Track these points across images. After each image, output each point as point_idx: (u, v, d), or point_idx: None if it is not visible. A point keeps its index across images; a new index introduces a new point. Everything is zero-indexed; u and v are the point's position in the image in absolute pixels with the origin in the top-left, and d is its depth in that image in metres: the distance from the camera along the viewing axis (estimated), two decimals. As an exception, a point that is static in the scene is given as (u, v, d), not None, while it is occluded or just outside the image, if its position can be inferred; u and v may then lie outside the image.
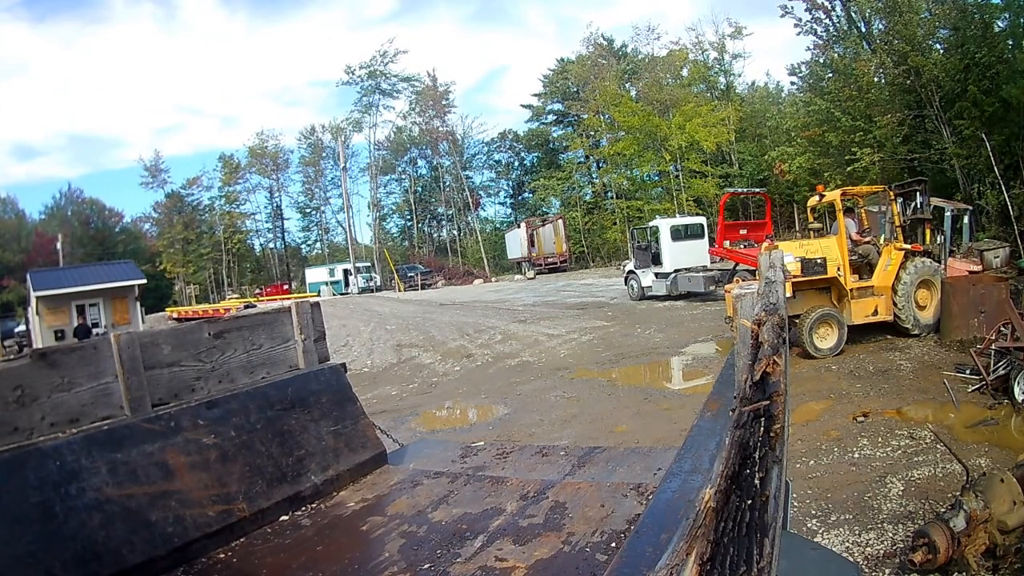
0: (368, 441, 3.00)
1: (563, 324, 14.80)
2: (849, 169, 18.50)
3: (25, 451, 2.00)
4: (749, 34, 42.42)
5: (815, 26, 21.22)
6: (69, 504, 1.98)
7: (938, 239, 10.49)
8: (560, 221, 37.95)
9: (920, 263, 9.29)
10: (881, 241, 9.63)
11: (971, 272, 11.00)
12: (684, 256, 17.39)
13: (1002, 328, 6.72)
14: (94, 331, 22.70)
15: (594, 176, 44.98)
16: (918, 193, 10.59)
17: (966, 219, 13.60)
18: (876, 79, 19.02)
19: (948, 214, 11.15)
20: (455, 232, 52.18)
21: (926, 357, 8.24)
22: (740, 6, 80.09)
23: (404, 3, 79.14)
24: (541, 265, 36.69)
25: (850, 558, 3.56)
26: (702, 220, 19.26)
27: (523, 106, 50.73)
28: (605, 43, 45.21)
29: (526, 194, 51.07)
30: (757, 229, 15.88)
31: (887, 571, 3.50)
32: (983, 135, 15.42)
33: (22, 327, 31.61)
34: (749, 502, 0.84)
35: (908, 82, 17.30)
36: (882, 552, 3.68)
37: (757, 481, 0.89)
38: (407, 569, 1.99)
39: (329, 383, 3.05)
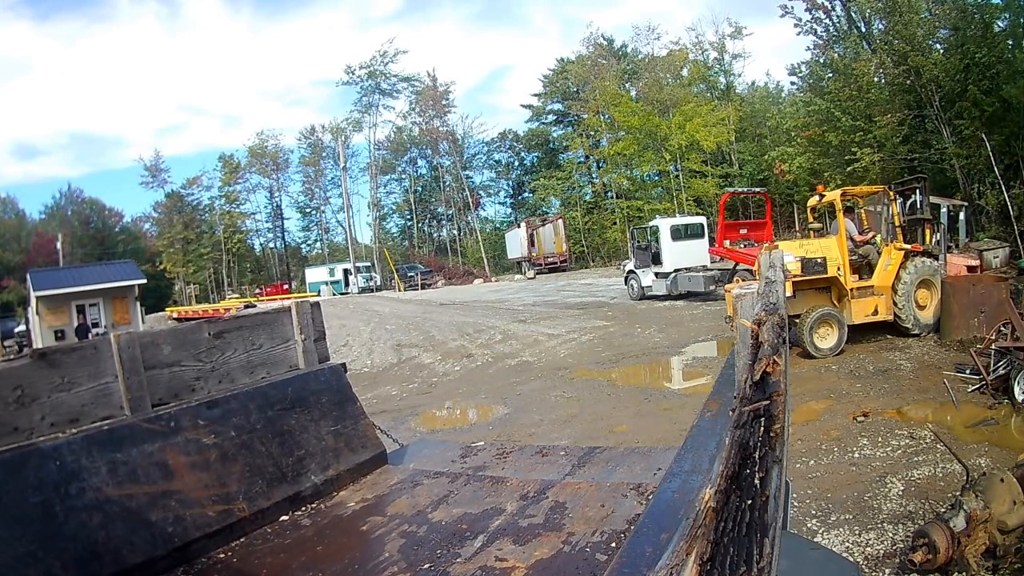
0: (368, 441, 3.00)
1: (563, 324, 14.80)
2: (849, 169, 18.50)
3: (25, 451, 2.00)
4: (749, 34, 42.51)
5: (815, 26, 21.24)
6: (69, 504, 1.98)
7: (936, 236, 10.51)
8: (560, 221, 37.94)
9: (920, 263, 9.29)
10: (879, 240, 9.63)
11: (969, 268, 11.01)
12: (684, 256, 17.39)
13: (1002, 328, 6.73)
14: (95, 331, 22.73)
15: (594, 176, 44.99)
16: (917, 192, 10.59)
17: (962, 215, 13.64)
18: (876, 79, 19.02)
19: (944, 210, 11.19)
20: (455, 232, 52.20)
21: (926, 357, 8.24)
22: (740, 6, 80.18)
23: (408, 2, 79.23)
24: (541, 265, 36.68)
25: (850, 558, 3.56)
26: (702, 220, 19.26)
27: (523, 106, 50.81)
28: (605, 43, 45.23)
29: (526, 194, 51.07)
30: (757, 229, 15.91)
31: (887, 571, 3.50)
32: (983, 135, 15.43)
33: (22, 327, 31.61)
34: (749, 502, 0.84)
35: (908, 82, 17.30)
36: (882, 552, 3.68)
37: (757, 481, 0.89)
38: (407, 569, 1.98)
39: (329, 383, 3.05)
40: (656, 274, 17.65)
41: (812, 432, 5.90)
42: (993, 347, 6.52)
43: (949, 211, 11.82)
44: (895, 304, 9.14)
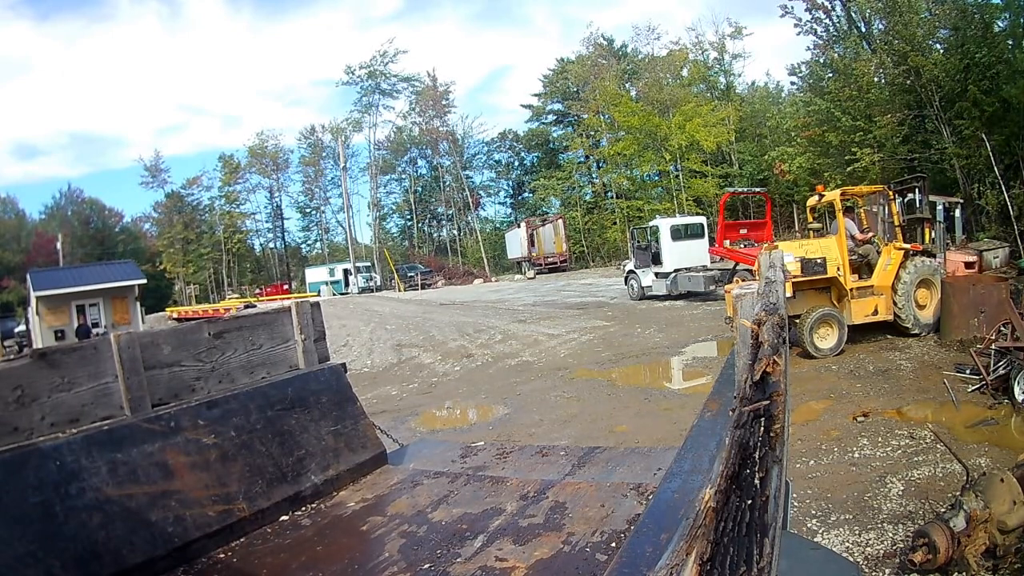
0: (368, 441, 3.00)
1: (563, 324, 14.80)
2: (849, 169, 18.51)
3: (25, 451, 2.00)
4: (749, 34, 42.51)
5: (815, 26, 21.26)
6: (69, 504, 1.98)
7: (934, 235, 10.54)
8: (560, 221, 37.96)
9: (920, 262, 9.29)
10: (878, 240, 9.63)
11: (967, 264, 11.01)
12: (684, 256, 17.39)
13: (1002, 328, 6.73)
14: (95, 331, 22.74)
15: (594, 176, 45.00)
16: (916, 191, 10.60)
17: (958, 213, 13.69)
18: (876, 79, 19.03)
19: (940, 207, 11.21)
20: (455, 232, 52.22)
21: (926, 357, 8.24)
22: (740, 6, 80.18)
23: (409, 2, 79.28)
24: (541, 265, 36.69)
25: (850, 558, 3.56)
26: (702, 220, 19.26)
27: (523, 106, 50.83)
28: (605, 43, 45.24)
29: (526, 194, 51.08)
30: (757, 229, 15.90)
31: (887, 571, 3.50)
32: (983, 135, 15.43)
33: (22, 327, 31.60)
34: (749, 502, 0.84)
35: (908, 82, 17.31)
36: (882, 552, 3.68)
37: (757, 481, 0.89)
38: (407, 569, 1.98)
39: (329, 383, 3.05)
40: (656, 274, 17.65)
41: (812, 432, 5.90)
42: (993, 347, 6.52)
43: (946, 208, 11.85)
44: (895, 304, 9.13)
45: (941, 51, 17.44)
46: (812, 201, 10.16)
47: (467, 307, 20.86)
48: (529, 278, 34.14)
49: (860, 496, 4.42)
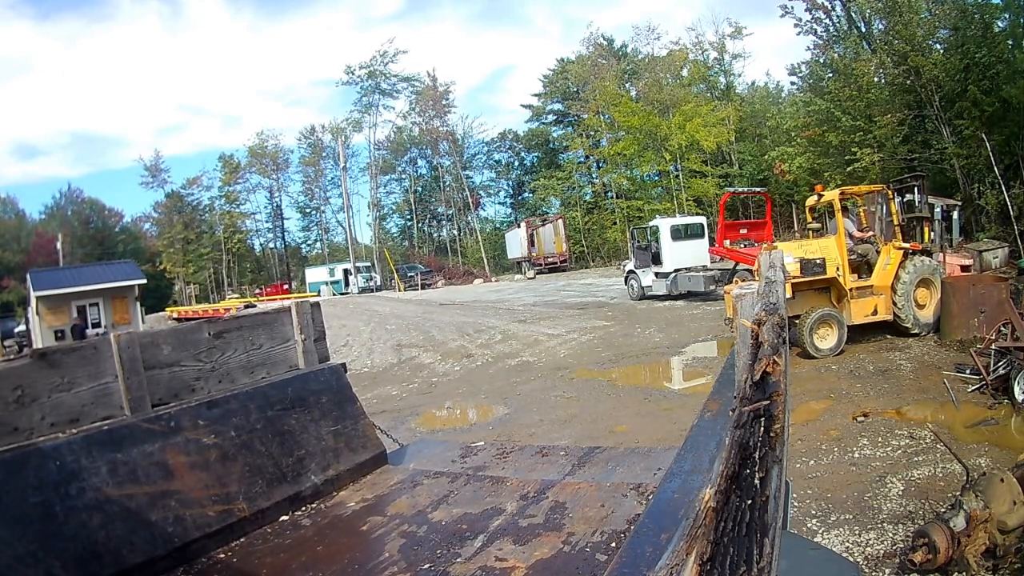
0: (368, 441, 3.00)
1: (563, 324, 14.80)
2: (849, 169, 18.52)
3: (25, 451, 2.00)
4: (749, 34, 42.53)
5: (815, 26, 21.30)
6: (69, 504, 1.98)
7: (932, 235, 10.54)
8: (560, 221, 37.96)
9: (919, 262, 9.29)
10: (877, 239, 9.62)
11: (963, 267, 11.03)
12: (684, 256, 17.40)
13: (1002, 328, 6.73)
14: (96, 331, 22.75)
15: (594, 176, 45.00)
16: (916, 190, 10.60)
17: (955, 215, 13.70)
18: (876, 79, 19.05)
19: (938, 209, 11.22)
20: (455, 232, 52.22)
21: (926, 357, 8.24)
22: (740, 6, 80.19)
23: (409, 2, 79.30)
24: (541, 265, 36.69)
25: (850, 558, 3.56)
26: (702, 220, 19.27)
27: (523, 106, 50.85)
28: (605, 43, 45.25)
29: (526, 194, 51.10)
30: (757, 229, 15.90)
31: (887, 571, 3.50)
32: (983, 135, 15.44)
33: (22, 327, 31.59)
34: (749, 502, 0.84)
35: (908, 82, 17.32)
36: (882, 552, 3.68)
37: (757, 481, 0.88)
38: (407, 569, 1.98)
39: (329, 383, 3.05)
40: (656, 274, 17.65)
41: (812, 432, 5.90)
42: (993, 347, 6.52)
43: (943, 210, 11.86)
44: (895, 304, 9.13)
45: (941, 51, 17.46)
46: (811, 201, 10.16)
47: (467, 307, 20.86)
48: (529, 278, 34.13)
49: (860, 496, 4.42)
